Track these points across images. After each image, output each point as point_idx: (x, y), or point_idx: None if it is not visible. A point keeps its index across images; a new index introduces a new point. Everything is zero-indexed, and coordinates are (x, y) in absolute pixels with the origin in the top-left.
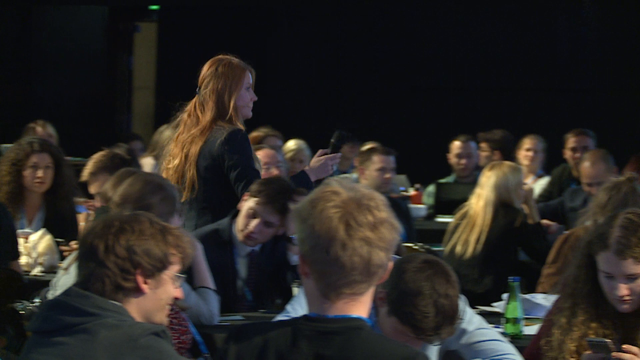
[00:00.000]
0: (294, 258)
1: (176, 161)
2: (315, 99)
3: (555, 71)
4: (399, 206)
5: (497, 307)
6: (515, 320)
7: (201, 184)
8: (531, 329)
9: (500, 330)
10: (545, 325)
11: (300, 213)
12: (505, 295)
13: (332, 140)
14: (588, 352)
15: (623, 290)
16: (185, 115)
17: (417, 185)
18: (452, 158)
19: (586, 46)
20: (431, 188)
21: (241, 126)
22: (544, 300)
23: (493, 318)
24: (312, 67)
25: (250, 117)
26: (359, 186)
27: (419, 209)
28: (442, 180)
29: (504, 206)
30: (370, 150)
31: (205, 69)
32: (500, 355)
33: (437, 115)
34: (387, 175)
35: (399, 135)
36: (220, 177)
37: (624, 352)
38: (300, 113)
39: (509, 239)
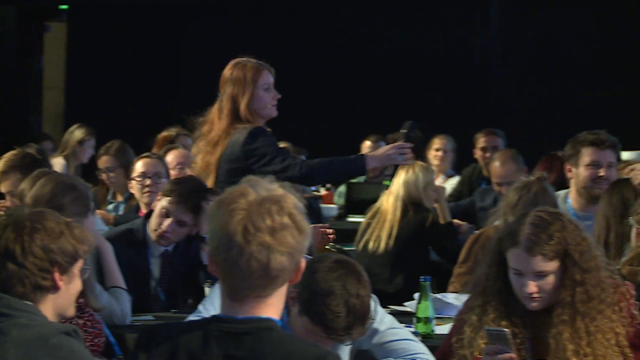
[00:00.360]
0: (206, 258)
1: (197, 169)
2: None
3: (465, 71)
4: (310, 206)
5: (409, 306)
6: (427, 320)
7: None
8: (442, 329)
9: (412, 329)
10: (456, 324)
11: (209, 213)
12: (416, 295)
13: (403, 130)
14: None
15: (532, 287)
16: (205, 121)
17: (328, 186)
18: None
19: (495, 46)
20: (342, 188)
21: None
22: (455, 299)
23: (404, 318)
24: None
25: (275, 116)
26: (273, 187)
27: (330, 208)
28: (353, 180)
29: (414, 205)
30: None
31: (224, 74)
32: (412, 354)
33: (347, 115)
34: None
35: (311, 135)
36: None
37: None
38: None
39: (420, 238)
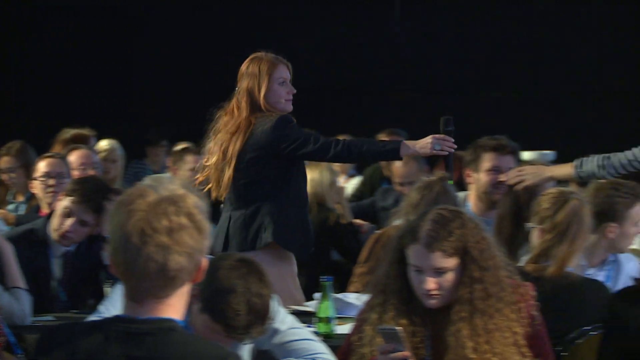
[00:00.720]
0: (107, 258)
1: (214, 159)
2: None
3: (368, 72)
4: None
5: (310, 306)
6: (328, 320)
7: (242, 182)
8: (343, 328)
9: (313, 329)
10: (357, 323)
11: (110, 213)
12: (317, 295)
13: (442, 127)
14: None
15: (431, 284)
16: (224, 114)
17: None
18: None
19: (395, 46)
20: None
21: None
22: (356, 299)
23: (305, 317)
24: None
25: (290, 110)
26: (173, 188)
27: None
28: None
29: (318, 204)
30: (183, 150)
31: (241, 69)
32: (313, 354)
33: None
34: None
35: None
36: (269, 168)
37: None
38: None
39: (322, 238)
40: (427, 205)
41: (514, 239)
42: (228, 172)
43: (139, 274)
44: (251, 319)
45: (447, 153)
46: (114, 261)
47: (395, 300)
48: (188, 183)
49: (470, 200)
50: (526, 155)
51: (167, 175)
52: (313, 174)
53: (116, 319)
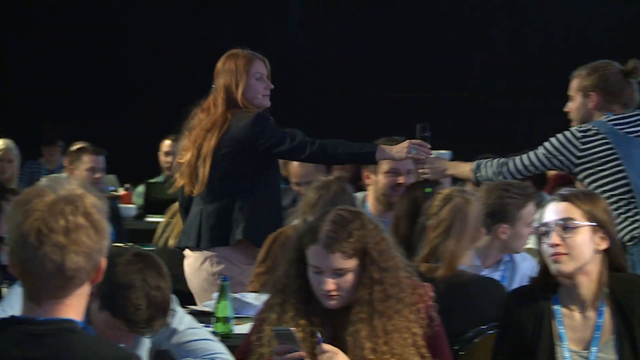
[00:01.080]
0: (4, 258)
1: (188, 155)
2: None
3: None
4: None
5: (208, 306)
6: (226, 320)
7: (216, 177)
8: (241, 328)
9: (211, 329)
10: (256, 323)
11: (8, 213)
12: (215, 295)
13: (418, 132)
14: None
15: (330, 285)
16: (199, 111)
17: (127, 185)
18: (162, 157)
19: (294, 48)
20: (140, 188)
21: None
22: (255, 299)
23: (203, 317)
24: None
25: (268, 105)
26: (71, 187)
27: (129, 208)
28: (152, 180)
29: None
30: (80, 150)
31: (217, 66)
32: (211, 354)
33: (145, 115)
34: (97, 175)
35: (109, 135)
36: (245, 163)
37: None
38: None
39: None
40: (324, 205)
41: (410, 239)
42: (204, 169)
43: (36, 274)
44: (152, 313)
45: (424, 157)
46: (11, 261)
47: (294, 300)
48: (86, 183)
49: (369, 201)
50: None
51: (63, 175)
52: None
53: (14, 320)
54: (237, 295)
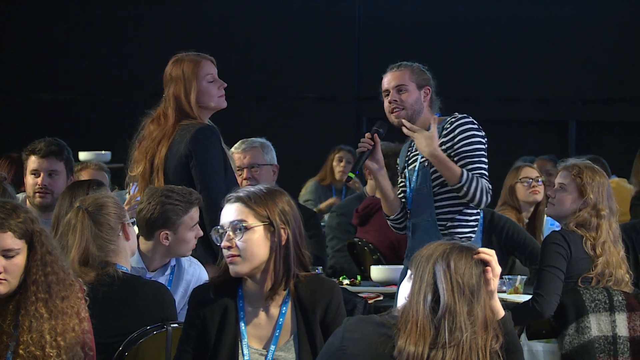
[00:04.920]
0: None
1: (140, 168)
2: None
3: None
4: None
5: None
6: None
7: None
8: None
9: None
10: None
11: None
12: None
13: (375, 127)
14: None
15: None
16: (149, 122)
17: None
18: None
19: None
20: None
21: (206, 122)
22: None
23: None
24: None
25: (225, 106)
26: None
27: None
28: None
29: None
30: None
31: (165, 73)
32: None
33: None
34: None
35: None
36: (190, 177)
37: None
38: None
39: None
40: None
41: None
42: (159, 182)
43: None
44: None
45: (364, 150)
46: None
47: None
48: None
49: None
50: (82, 155)
51: None
52: None
53: None
54: None
